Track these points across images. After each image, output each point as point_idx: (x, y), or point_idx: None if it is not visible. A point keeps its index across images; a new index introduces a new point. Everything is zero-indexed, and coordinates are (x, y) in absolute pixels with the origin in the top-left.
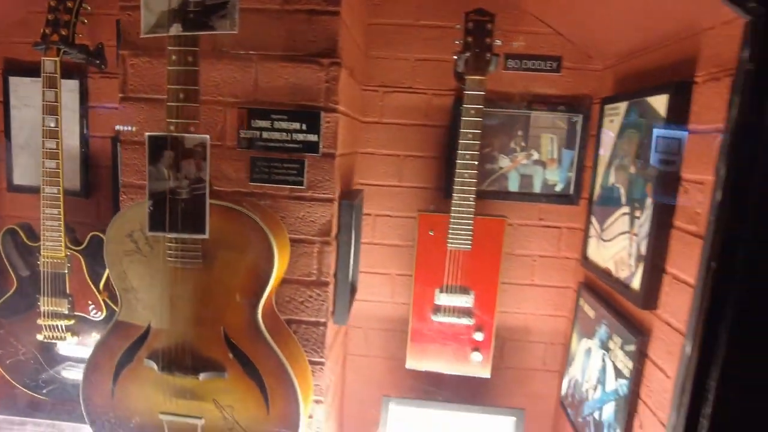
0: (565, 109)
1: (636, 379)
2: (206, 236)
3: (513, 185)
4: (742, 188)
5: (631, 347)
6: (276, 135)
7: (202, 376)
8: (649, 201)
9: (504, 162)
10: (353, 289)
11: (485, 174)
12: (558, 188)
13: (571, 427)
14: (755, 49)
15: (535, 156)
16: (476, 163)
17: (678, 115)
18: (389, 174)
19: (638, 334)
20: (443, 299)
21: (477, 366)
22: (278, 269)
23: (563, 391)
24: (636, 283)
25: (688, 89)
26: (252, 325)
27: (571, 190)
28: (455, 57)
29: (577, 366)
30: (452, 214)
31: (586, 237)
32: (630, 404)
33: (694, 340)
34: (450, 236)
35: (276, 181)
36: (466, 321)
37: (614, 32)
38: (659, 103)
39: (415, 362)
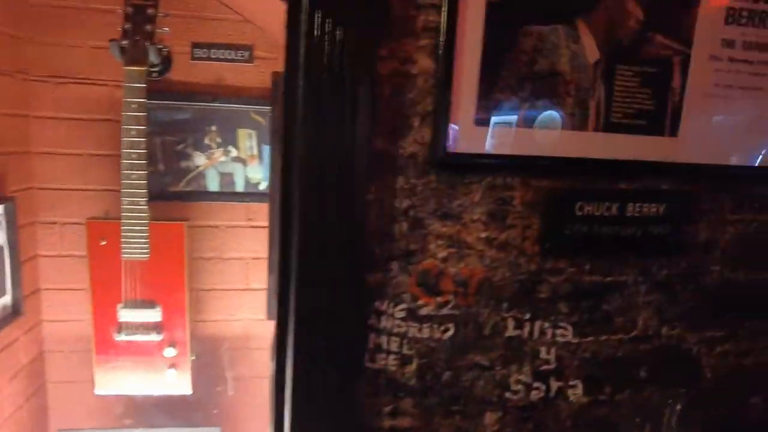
0: (261, 102)
1: None
2: None
3: (213, 184)
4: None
5: None
6: None
7: None
8: None
9: (200, 159)
10: (15, 311)
11: (181, 173)
12: (262, 186)
13: None
14: (288, 34)
15: (234, 153)
16: (145, 162)
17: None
18: (74, 175)
19: None
20: (125, 315)
21: (174, 383)
22: None
23: None
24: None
25: None
26: None
27: None
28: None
29: None
30: (123, 221)
31: None
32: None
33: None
34: (123, 245)
35: None
36: (154, 337)
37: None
38: None
39: (105, 387)
